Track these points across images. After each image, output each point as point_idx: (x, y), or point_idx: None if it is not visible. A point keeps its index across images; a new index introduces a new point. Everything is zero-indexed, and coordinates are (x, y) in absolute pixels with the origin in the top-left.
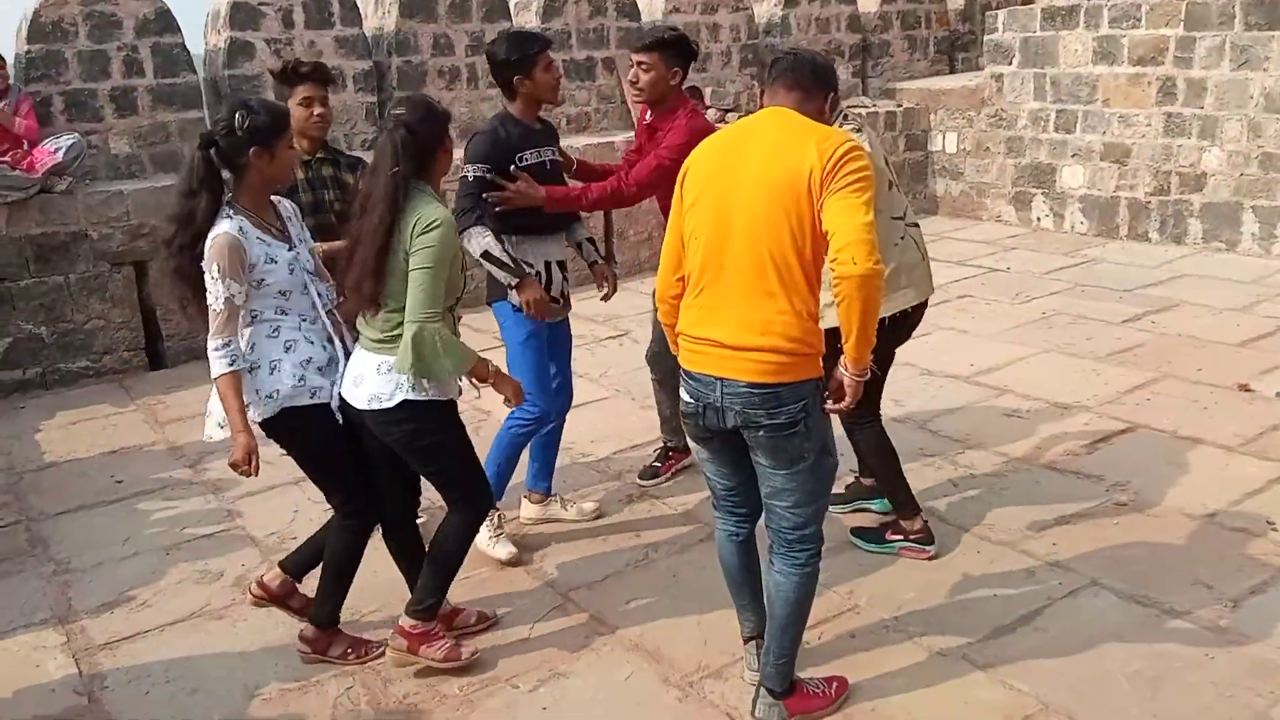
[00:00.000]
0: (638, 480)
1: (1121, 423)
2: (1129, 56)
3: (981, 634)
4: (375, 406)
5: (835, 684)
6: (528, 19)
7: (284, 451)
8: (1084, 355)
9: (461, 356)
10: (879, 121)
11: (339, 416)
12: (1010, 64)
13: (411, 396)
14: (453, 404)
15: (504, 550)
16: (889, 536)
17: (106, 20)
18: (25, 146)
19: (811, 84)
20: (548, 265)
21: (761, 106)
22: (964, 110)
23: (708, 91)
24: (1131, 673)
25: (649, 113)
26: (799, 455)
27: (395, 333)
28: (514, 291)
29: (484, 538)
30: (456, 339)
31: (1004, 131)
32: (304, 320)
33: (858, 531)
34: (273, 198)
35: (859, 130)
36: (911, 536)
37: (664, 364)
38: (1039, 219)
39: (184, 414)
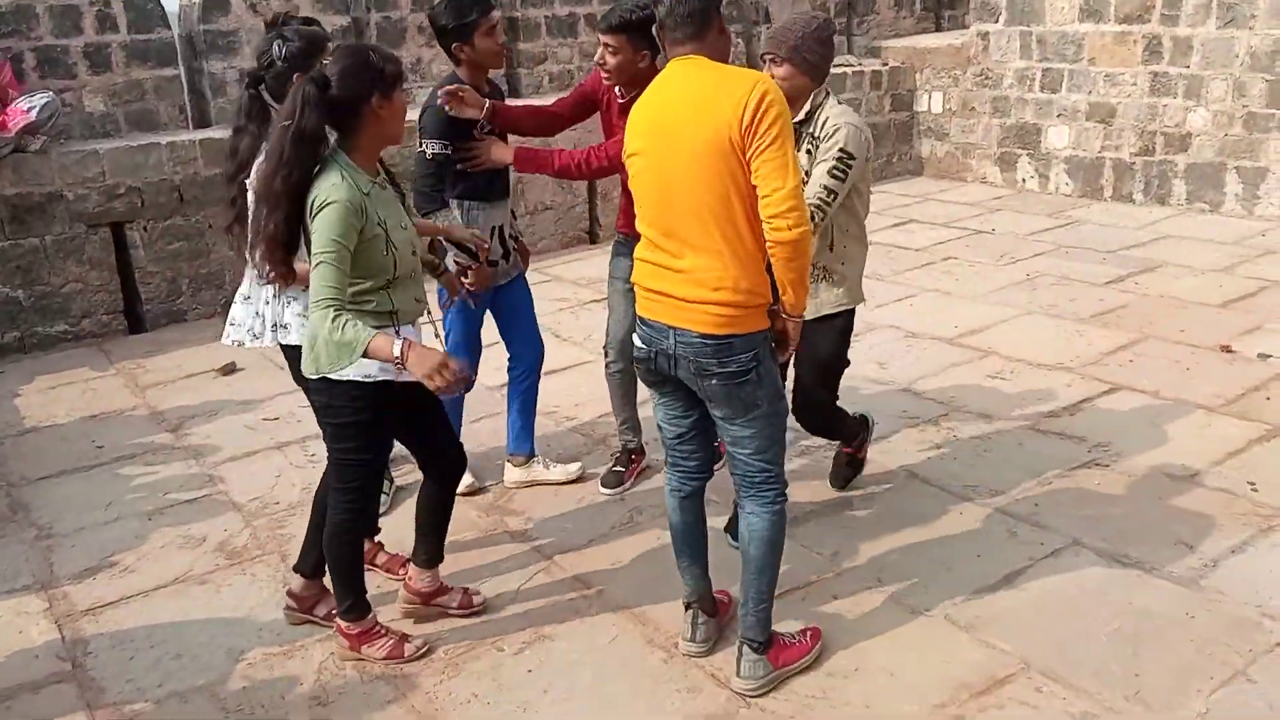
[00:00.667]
0: (601, 488)
1: (1104, 384)
2: (1115, 14)
3: (964, 594)
4: (311, 375)
5: (810, 633)
6: None
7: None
8: (1067, 317)
9: (348, 344)
10: (864, 81)
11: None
12: (997, 21)
13: (330, 375)
14: (381, 387)
15: (563, 470)
16: None
17: None
18: None
19: (701, 24)
20: (497, 230)
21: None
22: (950, 69)
23: None
24: (1112, 631)
25: (618, 91)
26: (753, 403)
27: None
28: (467, 272)
29: (541, 471)
30: (355, 325)
31: (990, 91)
32: None
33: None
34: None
35: (846, 120)
36: None
37: (629, 353)
38: (1024, 180)
39: (164, 378)
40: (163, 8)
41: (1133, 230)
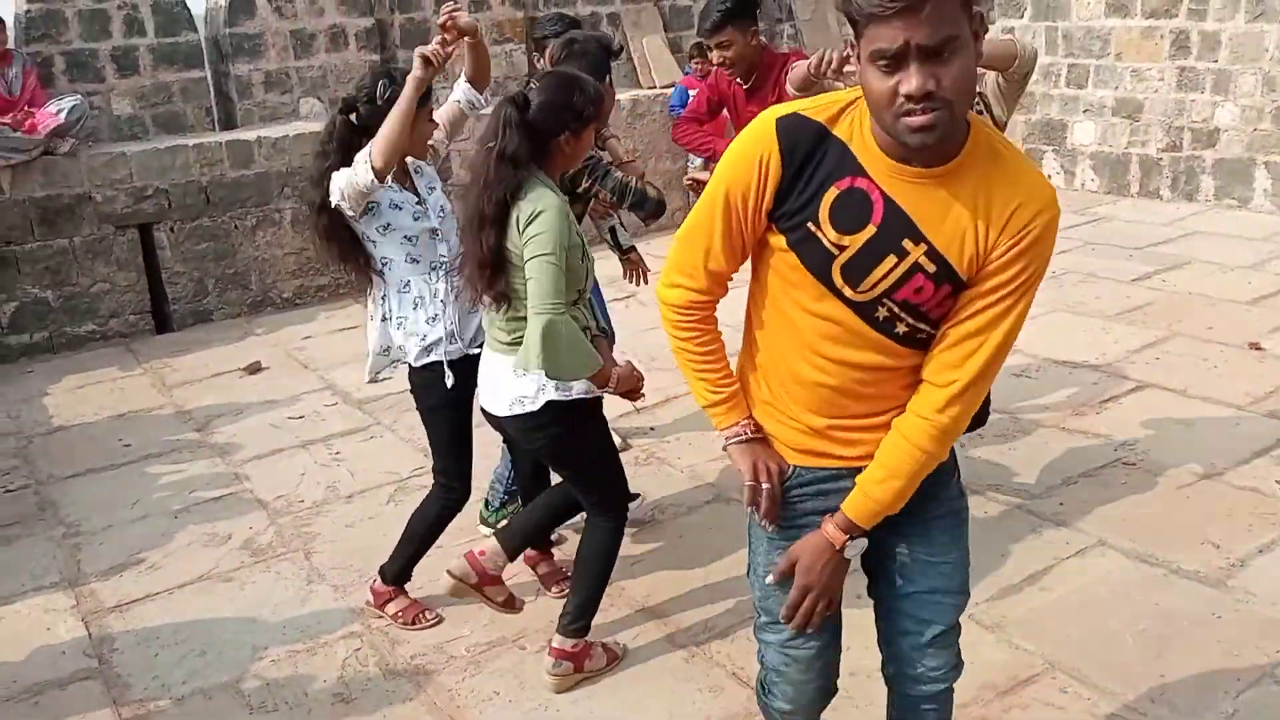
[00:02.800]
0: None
1: (1131, 381)
2: (1142, 8)
3: (988, 594)
4: (519, 411)
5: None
6: None
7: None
8: (1093, 314)
9: (587, 357)
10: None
11: (449, 380)
12: (1022, 17)
13: (556, 397)
14: (598, 401)
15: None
16: None
17: None
18: (26, 108)
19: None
20: (610, 231)
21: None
22: None
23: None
24: (1138, 632)
25: (739, 80)
26: None
27: (523, 332)
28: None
29: None
30: (583, 336)
31: None
32: (434, 270)
33: None
34: (411, 164)
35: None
36: None
37: None
38: (1050, 176)
39: (191, 377)
40: (189, 11)
41: (1160, 226)
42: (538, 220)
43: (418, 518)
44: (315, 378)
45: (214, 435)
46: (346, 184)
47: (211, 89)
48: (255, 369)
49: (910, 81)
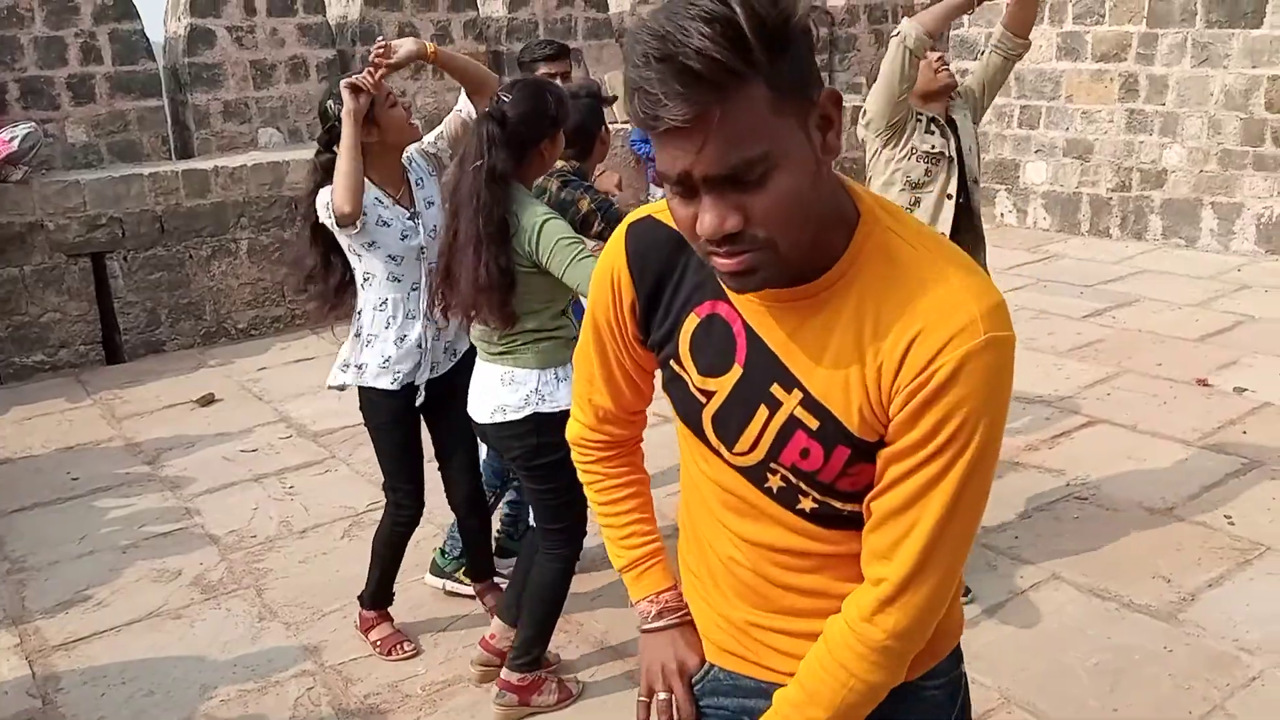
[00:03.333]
0: None
1: (1082, 417)
2: (1092, 52)
3: None
4: (500, 419)
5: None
6: (494, 9)
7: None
8: (1046, 350)
9: None
10: (845, 116)
11: (420, 397)
12: (975, 60)
13: (543, 409)
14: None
15: None
16: None
17: (64, 6)
18: None
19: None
20: None
21: None
22: None
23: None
24: (1091, 666)
25: None
26: None
27: (515, 340)
28: None
29: None
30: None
31: None
32: (414, 290)
33: None
34: (414, 176)
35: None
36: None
37: None
38: (1002, 215)
39: (142, 409)
40: (148, 40)
41: (1110, 265)
42: (545, 227)
43: (378, 539)
44: (269, 410)
45: (164, 469)
46: (327, 216)
47: (169, 118)
48: (208, 401)
49: (703, 220)
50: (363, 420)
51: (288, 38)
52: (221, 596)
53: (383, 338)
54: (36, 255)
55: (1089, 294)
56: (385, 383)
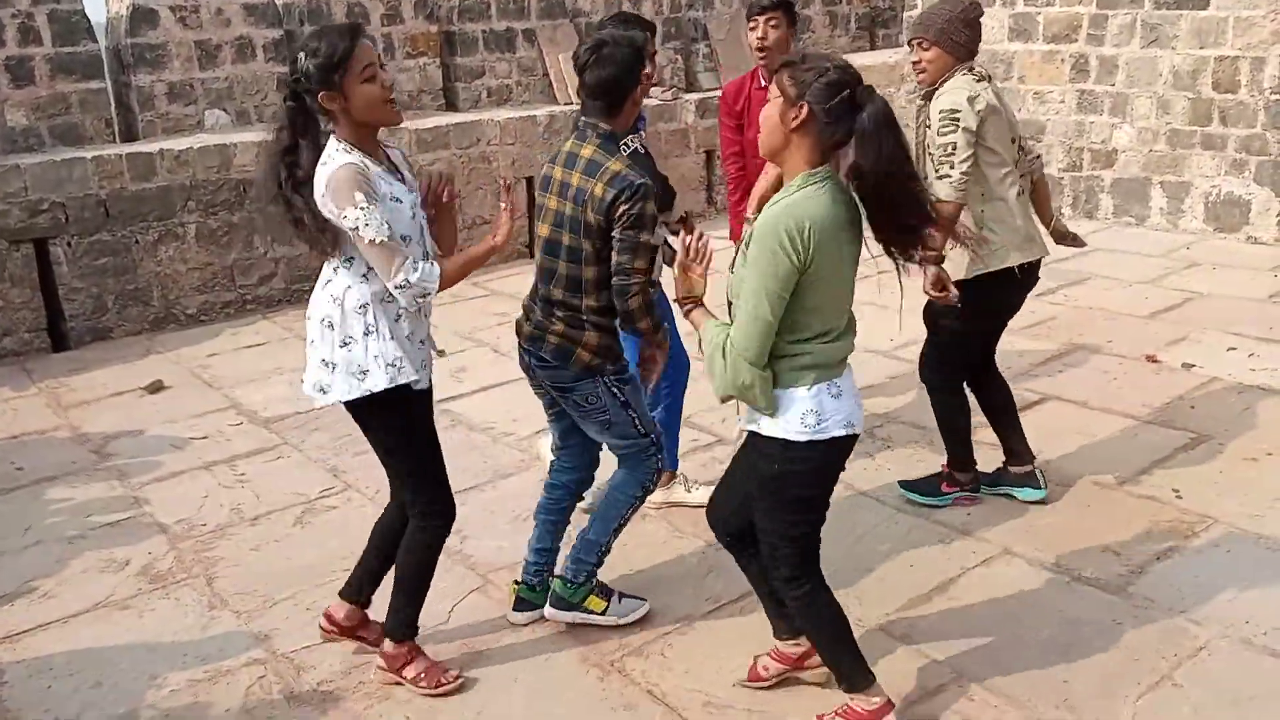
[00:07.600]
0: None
1: (1035, 394)
2: (1044, 34)
3: (898, 604)
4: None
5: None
6: None
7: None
8: None
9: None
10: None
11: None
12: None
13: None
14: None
15: (706, 493)
16: (944, 489)
17: None
18: None
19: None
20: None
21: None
22: (883, 87)
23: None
24: (1043, 639)
25: (760, 80)
26: None
27: None
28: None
29: (681, 492)
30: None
31: None
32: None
33: (909, 485)
34: (396, 155)
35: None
36: (966, 488)
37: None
38: None
39: (89, 397)
40: (89, 20)
41: None
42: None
43: (409, 565)
44: (219, 396)
45: (112, 457)
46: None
47: (112, 100)
48: (157, 388)
49: None
50: (373, 434)
51: (234, 17)
52: (171, 586)
53: (394, 331)
54: None
55: (1042, 272)
56: (411, 376)
